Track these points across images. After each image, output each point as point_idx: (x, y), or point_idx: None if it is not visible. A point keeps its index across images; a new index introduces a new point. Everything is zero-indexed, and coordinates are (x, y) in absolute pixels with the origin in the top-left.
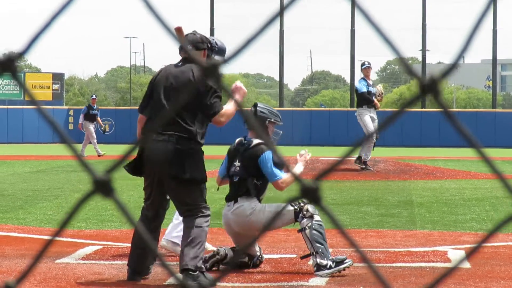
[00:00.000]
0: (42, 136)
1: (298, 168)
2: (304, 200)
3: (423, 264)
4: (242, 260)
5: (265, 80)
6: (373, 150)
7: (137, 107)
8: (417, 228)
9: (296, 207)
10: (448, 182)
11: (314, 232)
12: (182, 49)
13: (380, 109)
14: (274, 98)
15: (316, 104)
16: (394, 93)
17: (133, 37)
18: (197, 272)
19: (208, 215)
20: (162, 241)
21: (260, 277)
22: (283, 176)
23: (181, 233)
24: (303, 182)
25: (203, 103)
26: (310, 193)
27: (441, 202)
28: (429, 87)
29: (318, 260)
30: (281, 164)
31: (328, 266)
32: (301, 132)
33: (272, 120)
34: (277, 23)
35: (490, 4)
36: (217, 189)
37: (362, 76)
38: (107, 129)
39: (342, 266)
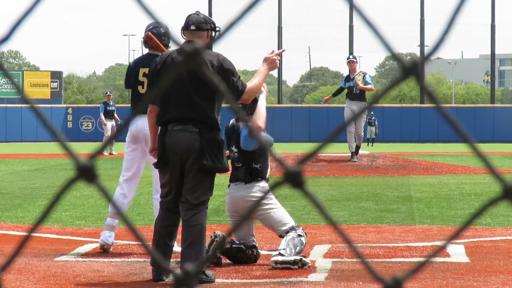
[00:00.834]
0: (41, 135)
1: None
2: (301, 233)
3: (422, 259)
4: (239, 249)
5: None
6: (371, 145)
7: None
8: (416, 223)
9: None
10: (447, 177)
11: (297, 240)
12: (186, 28)
13: (379, 104)
14: (273, 95)
15: (314, 100)
16: (393, 89)
17: (131, 35)
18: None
19: (207, 209)
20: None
21: (259, 273)
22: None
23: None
24: (286, 166)
25: (230, 87)
26: (293, 178)
27: (440, 197)
28: (411, 70)
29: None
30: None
31: (286, 254)
32: (300, 128)
33: None
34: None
35: None
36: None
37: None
38: None
39: (299, 257)
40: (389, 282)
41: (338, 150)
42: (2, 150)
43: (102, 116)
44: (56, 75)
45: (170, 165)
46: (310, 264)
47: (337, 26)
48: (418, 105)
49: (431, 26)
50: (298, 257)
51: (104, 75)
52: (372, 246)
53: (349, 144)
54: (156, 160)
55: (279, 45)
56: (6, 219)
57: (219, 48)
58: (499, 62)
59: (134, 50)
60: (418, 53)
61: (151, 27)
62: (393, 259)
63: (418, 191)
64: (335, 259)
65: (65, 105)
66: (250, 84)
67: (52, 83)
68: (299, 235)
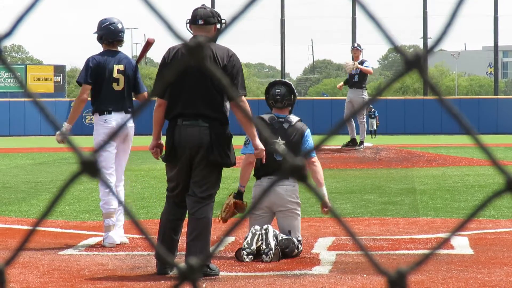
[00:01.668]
0: (44, 129)
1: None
2: (300, 247)
3: (426, 251)
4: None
5: (267, 69)
6: (374, 137)
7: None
8: (420, 215)
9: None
10: (450, 169)
11: (293, 245)
12: (193, 23)
13: (382, 96)
14: None
15: (318, 93)
16: (396, 81)
17: (134, 28)
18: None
19: (213, 203)
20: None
21: (263, 266)
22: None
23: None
24: (290, 160)
25: (232, 82)
26: (297, 171)
27: (444, 189)
28: (414, 63)
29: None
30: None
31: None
32: (303, 121)
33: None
34: (278, 13)
35: None
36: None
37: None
38: None
39: (277, 248)
40: (393, 275)
41: (341, 142)
42: (5, 144)
43: None
44: (59, 69)
45: (179, 160)
46: (247, 260)
47: (340, 19)
48: (422, 97)
49: (434, 18)
50: (276, 248)
51: None
52: (376, 239)
53: (351, 133)
54: (154, 157)
55: (282, 38)
56: (10, 213)
57: (222, 42)
58: (502, 53)
59: (137, 44)
60: (421, 45)
61: (108, 23)
62: (397, 252)
63: (421, 183)
64: (340, 252)
65: (68, 99)
66: (247, 108)
67: (55, 77)
68: (298, 247)
